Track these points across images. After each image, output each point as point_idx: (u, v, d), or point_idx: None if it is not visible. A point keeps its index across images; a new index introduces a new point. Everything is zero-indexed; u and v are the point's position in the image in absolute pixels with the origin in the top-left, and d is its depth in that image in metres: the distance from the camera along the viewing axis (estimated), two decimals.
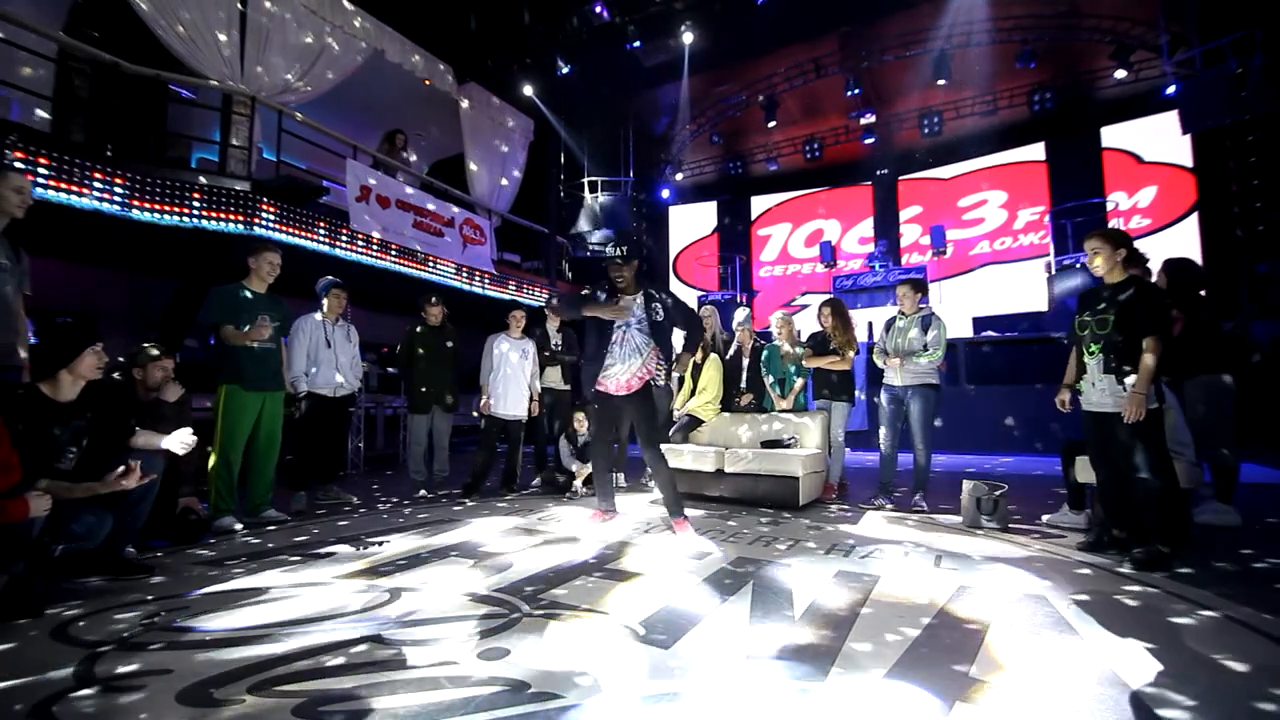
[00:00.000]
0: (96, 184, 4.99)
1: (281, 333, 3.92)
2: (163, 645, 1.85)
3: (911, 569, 2.75)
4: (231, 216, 5.65)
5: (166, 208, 5.38)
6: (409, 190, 7.90)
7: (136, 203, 5.20)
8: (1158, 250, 3.78)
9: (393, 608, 2.18)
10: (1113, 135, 10.90)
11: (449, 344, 5.11)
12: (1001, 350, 9.05)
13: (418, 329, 5.07)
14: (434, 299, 5.14)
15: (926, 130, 12.20)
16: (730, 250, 13.90)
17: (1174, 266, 3.84)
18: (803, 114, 13.28)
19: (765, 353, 5.24)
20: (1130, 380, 2.76)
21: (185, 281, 6.36)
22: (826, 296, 5.87)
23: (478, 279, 8.65)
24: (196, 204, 5.51)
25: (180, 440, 2.70)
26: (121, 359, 3.34)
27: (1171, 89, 9.69)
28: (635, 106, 12.86)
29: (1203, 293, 3.92)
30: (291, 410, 4.26)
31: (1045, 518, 3.82)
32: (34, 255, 2.88)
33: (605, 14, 9.03)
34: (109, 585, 2.46)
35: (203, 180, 5.67)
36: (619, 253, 3.61)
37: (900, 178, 13.04)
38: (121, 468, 2.38)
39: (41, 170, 4.68)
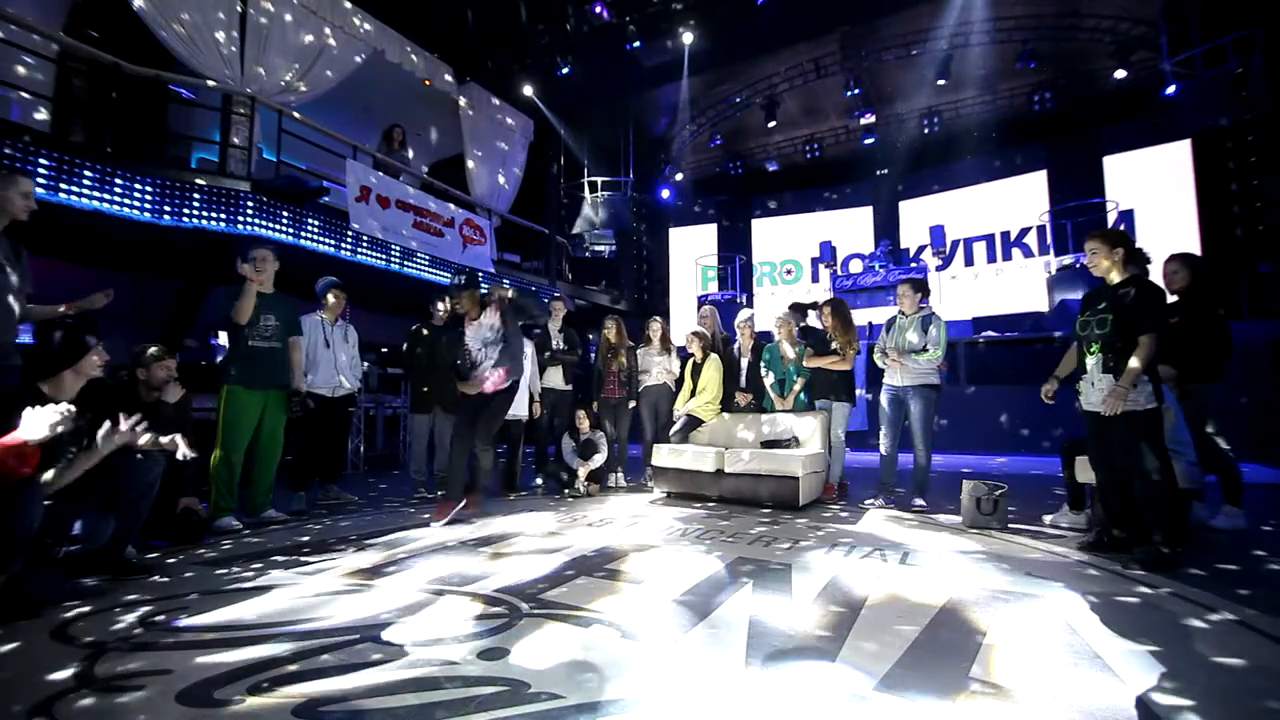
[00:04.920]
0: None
1: (287, 331, 3.90)
2: (163, 645, 1.84)
3: (911, 569, 2.75)
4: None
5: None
6: (409, 190, 7.90)
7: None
8: (1158, 251, 3.75)
9: (393, 607, 2.18)
10: (1113, 135, 10.90)
11: None
12: (1001, 350, 9.05)
13: (422, 329, 5.07)
14: (444, 298, 5.15)
15: (926, 130, 12.21)
16: (730, 250, 13.90)
17: (1197, 260, 3.82)
18: (803, 114, 13.29)
19: (766, 353, 5.24)
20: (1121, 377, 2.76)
21: (186, 282, 6.36)
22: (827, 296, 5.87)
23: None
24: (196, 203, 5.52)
25: (175, 443, 2.68)
26: (129, 359, 3.34)
27: (1171, 89, 9.69)
28: (635, 106, 12.86)
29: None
30: (291, 410, 4.25)
31: (1045, 518, 3.82)
32: (34, 255, 2.88)
33: (605, 14, 9.02)
34: (109, 585, 2.46)
35: (202, 180, 5.68)
36: (456, 280, 4.06)
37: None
38: (105, 427, 2.32)
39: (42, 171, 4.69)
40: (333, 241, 6.61)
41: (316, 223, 6.44)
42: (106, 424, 2.32)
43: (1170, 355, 3.48)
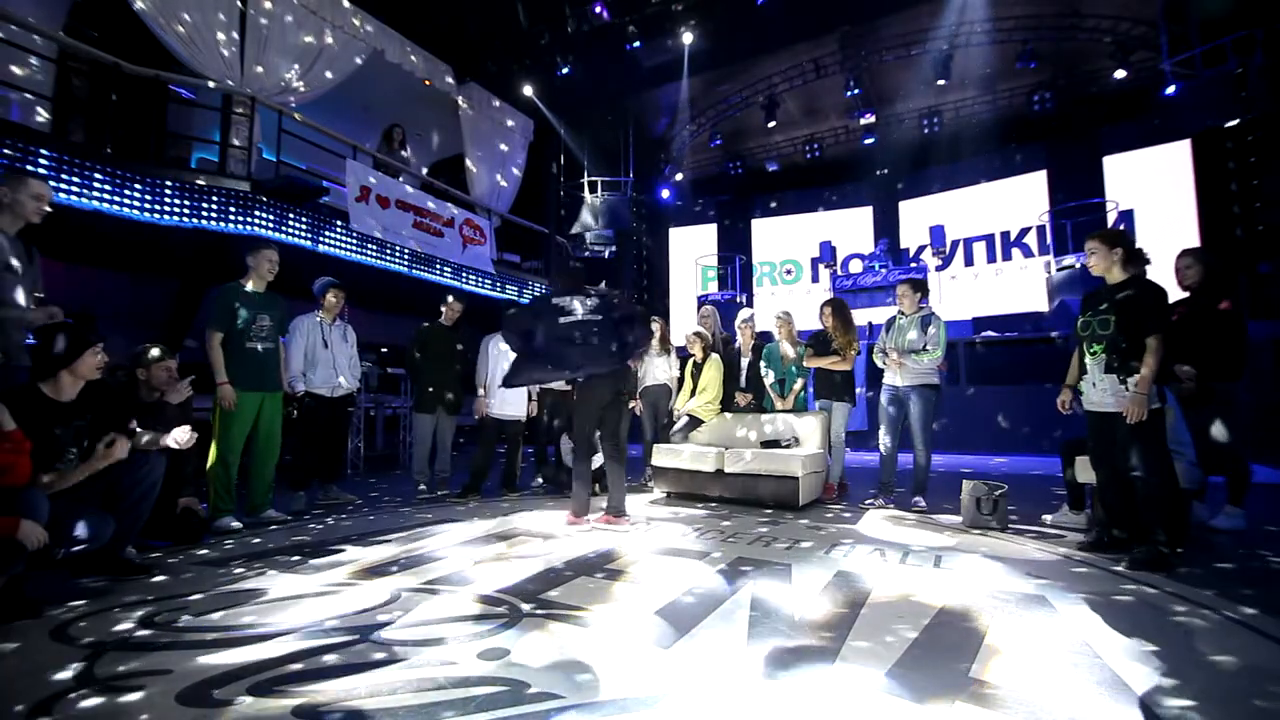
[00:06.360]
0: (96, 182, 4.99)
1: (280, 331, 3.92)
2: (163, 645, 1.84)
3: (911, 569, 2.75)
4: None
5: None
6: (409, 190, 7.90)
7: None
8: (1158, 252, 3.73)
9: (393, 608, 2.18)
10: (1113, 135, 10.90)
11: (459, 346, 5.11)
12: (1001, 350, 9.05)
13: (429, 327, 5.08)
14: (453, 298, 5.17)
15: (926, 130, 12.21)
16: (730, 250, 13.90)
17: (1209, 255, 3.77)
18: (802, 114, 13.28)
19: (766, 353, 5.24)
20: (1133, 380, 2.76)
21: (185, 281, 6.36)
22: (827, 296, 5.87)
23: (477, 279, 8.66)
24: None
25: (175, 438, 2.70)
26: (129, 360, 3.34)
27: (1171, 89, 9.69)
28: (635, 106, 12.84)
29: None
30: (290, 410, 4.26)
31: (1045, 518, 3.82)
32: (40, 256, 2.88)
33: (605, 14, 9.02)
34: (109, 585, 2.46)
35: (202, 180, 5.68)
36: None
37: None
38: (108, 438, 2.34)
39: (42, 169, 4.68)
40: (332, 241, 6.61)
41: (316, 223, 6.44)
42: (101, 444, 2.32)
43: (1185, 354, 3.47)
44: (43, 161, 4.72)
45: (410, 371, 5.37)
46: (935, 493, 4.43)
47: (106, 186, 5.07)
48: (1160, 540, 2.72)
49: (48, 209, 2.78)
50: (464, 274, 8.41)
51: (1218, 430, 3.52)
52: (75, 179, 4.89)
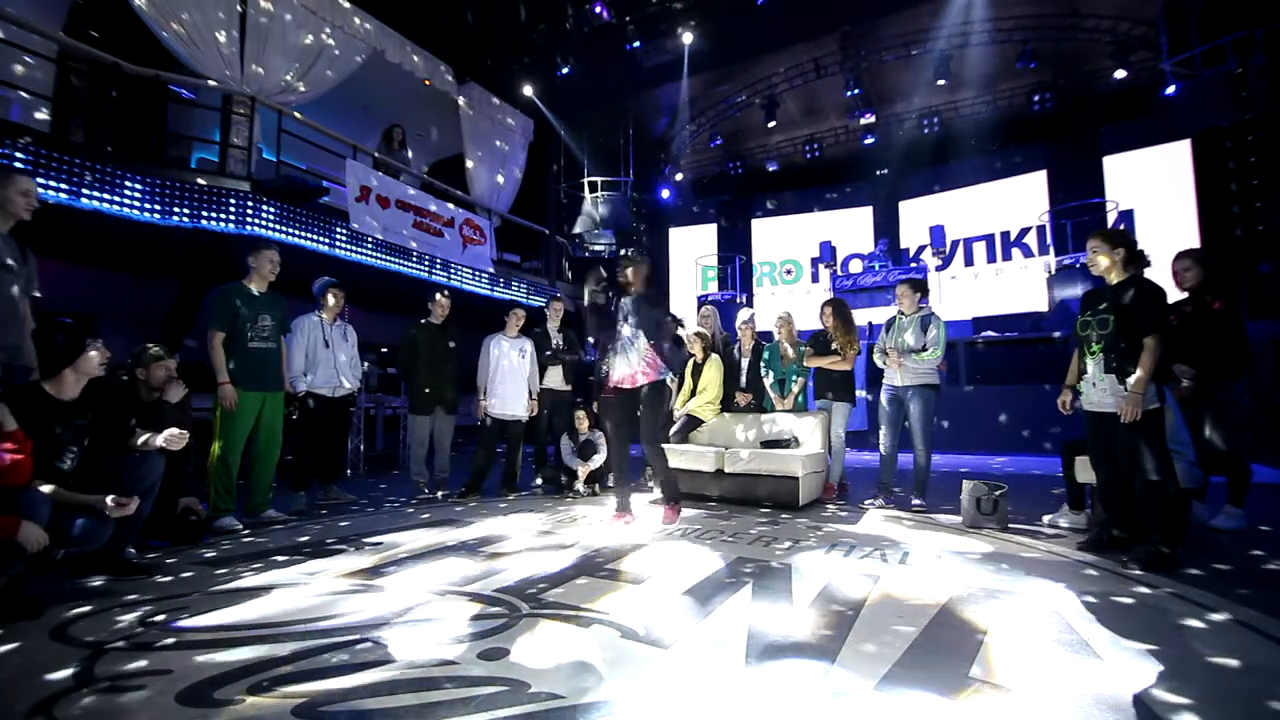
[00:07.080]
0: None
1: (281, 331, 3.93)
2: (163, 645, 1.85)
3: (911, 569, 2.75)
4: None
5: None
6: (409, 190, 7.90)
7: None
8: (1157, 251, 3.72)
9: (393, 608, 2.18)
10: (1113, 135, 10.90)
11: (451, 344, 5.10)
12: (1001, 350, 9.05)
13: (420, 325, 5.06)
14: (443, 293, 5.13)
15: (926, 130, 12.22)
16: (730, 250, 13.91)
17: (1208, 256, 3.76)
18: (802, 114, 13.30)
19: (766, 352, 5.24)
20: (1130, 379, 2.76)
21: (186, 281, 6.36)
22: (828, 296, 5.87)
23: (477, 279, 8.66)
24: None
25: (165, 439, 2.69)
26: (129, 359, 3.35)
27: (1171, 89, 9.69)
28: (635, 106, 12.86)
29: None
30: (290, 410, 4.26)
31: (1045, 518, 3.82)
32: (35, 255, 2.88)
33: (605, 14, 9.03)
34: (109, 585, 2.46)
35: (202, 180, 5.68)
36: (628, 252, 3.82)
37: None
38: (129, 502, 2.37)
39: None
40: (329, 240, 6.61)
41: (316, 223, 6.44)
42: (122, 503, 2.36)
43: (1184, 354, 3.47)
44: (43, 161, 4.72)
45: (403, 374, 5.34)
46: (935, 493, 4.43)
47: (106, 186, 5.07)
48: (1160, 540, 2.72)
49: (36, 204, 2.77)
50: (464, 273, 8.41)
51: (1217, 430, 3.52)
52: (75, 179, 4.89)
